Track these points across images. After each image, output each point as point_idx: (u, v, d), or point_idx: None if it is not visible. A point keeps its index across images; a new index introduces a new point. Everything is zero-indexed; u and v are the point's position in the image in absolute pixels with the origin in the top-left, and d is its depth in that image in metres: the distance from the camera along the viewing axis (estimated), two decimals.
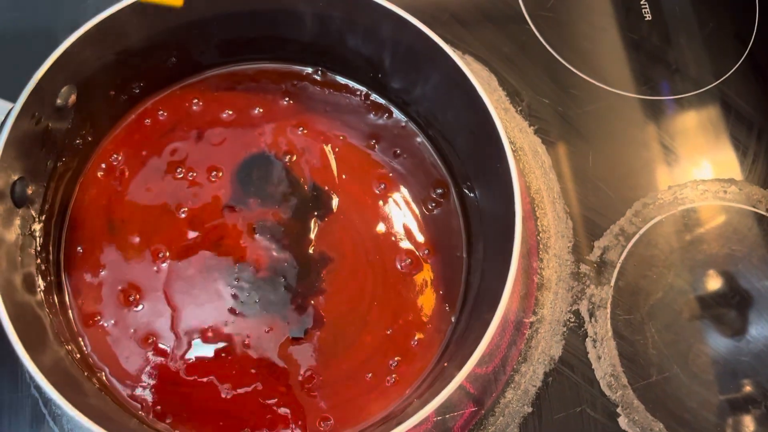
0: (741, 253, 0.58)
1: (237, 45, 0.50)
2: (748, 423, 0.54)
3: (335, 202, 0.50)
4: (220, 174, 0.50)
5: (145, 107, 0.50)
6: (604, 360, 0.54)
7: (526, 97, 0.60)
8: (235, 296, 0.47)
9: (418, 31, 0.43)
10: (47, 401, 0.49)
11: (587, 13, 0.65)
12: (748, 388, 0.55)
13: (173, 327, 0.46)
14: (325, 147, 0.51)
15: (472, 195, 0.50)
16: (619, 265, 0.56)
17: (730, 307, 0.57)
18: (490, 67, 0.61)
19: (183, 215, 0.48)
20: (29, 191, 0.42)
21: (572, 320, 0.54)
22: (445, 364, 0.44)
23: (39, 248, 0.44)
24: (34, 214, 0.43)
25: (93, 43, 0.41)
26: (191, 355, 0.45)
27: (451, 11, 0.62)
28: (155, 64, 0.48)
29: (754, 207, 0.59)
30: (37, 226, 0.44)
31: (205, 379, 0.45)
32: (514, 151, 0.58)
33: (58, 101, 0.42)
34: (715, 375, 0.54)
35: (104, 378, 0.44)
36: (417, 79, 0.48)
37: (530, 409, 0.52)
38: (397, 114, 0.52)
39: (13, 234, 0.41)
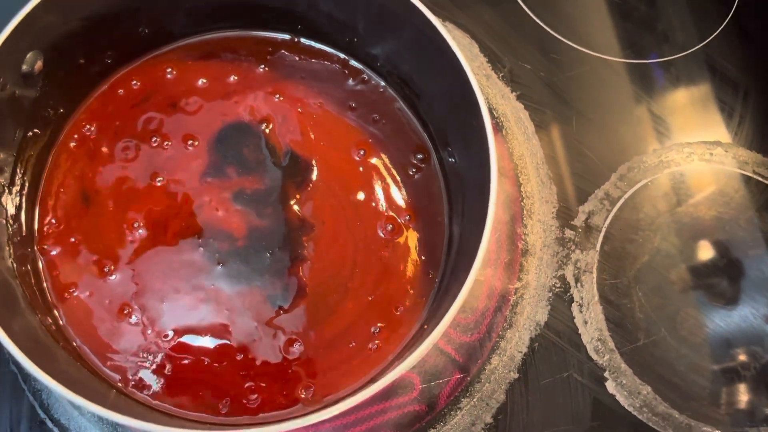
0: (728, 216, 0.57)
1: (208, 12, 0.49)
2: (742, 388, 0.53)
3: (314, 169, 0.49)
4: (196, 143, 0.49)
5: (117, 77, 0.49)
6: (591, 325, 0.53)
7: (508, 63, 0.60)
8: (213, 266, 0.46)
9: None
10: (26, 377, 0.48)
11: None
12: (740, 353, 0.54)
13: (150, 298, 0.45)
14: (302, 114, 0.50)
15: (452, 160, 0.49)
16: (604, 230, 0.56)
17: (718, 269, 0.56)
18: (472, 34, 0.60)
19: (159, 184, 0.48)
20: None
21: (558, 285, 0.54)
22: (425, 327, 0.44)
23: (11, 219, 0.43)
24: (3, 183, 0.42)
25: (57, 7, 0.41)
26: (169, 326, 0.45)
27: None
28: (126, 32, 0.48)
29: (740, 169, 0.59)
30: (7, 197, 0.43)
31: (183, 351, 0.45)
32: (496, 118, 0.58)
33: (24, 67, 0.41)
34: (704, 338, 0.54)
35: (81, 349, 0.43)
36: (392, 41, 0.47)
37: (516, 375, 0.51)
38: (375, 79, 0.52)
39: None
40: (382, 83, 0.51)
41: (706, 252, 0.57)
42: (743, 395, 0.53)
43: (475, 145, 0.43)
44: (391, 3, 0.43)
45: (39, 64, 0.42)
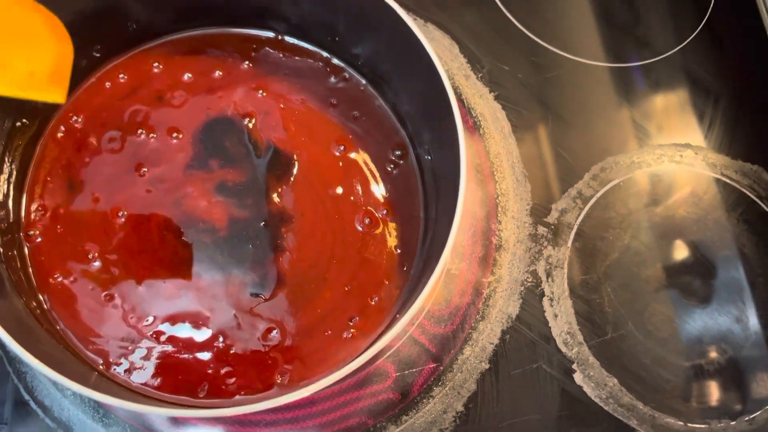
0: (697, 216, 0.59)
1: (195, 10, 0.51)
2: (706, 382, 0.55)
3: (295, 163, 0.51)
4: (181, 136, 0.50)
5: (105, 70, 0.51)
6: (561, 318, 0.55)
7: (487, 64, 0.61)
8: (194, 255, 0.48)
9: None
10: (11, 359, 0.50)
11: None
12: (705, 348, 0.56)
13: (132, 285, 0.47)
14: (284, 109, 0.52)
15: (428, 157, 0.51)
16: (576, 227, 0.57)
17: (686, 267, 0.58)
18: (452, 36, 0.62)
19: (143, 175, 0.49)
20: None
21: (530, 280, 0.56)
22: (398, 316, 0.45)
23: None
24: None
25: (47, 2, 0.42)
26: (151, 313, 0.46)
27: None
28: (114, 27, 0.49)
29: (710, 171, 0.61)
30: None
31: (164, 336, 0.46)
32: (473, 117, 0.59)
33: None
34: (670, 333, 0.56)
35: (64, 333, 0.45)
36: (372, 42, 0.49)
37: (488, 366, 0.53)
38: (356, 77, 0.53)
39: None
40: (363, 81, 0.53)
41: (674, 250, 0.59)
42: (707, 389, 0.55)
43: (447, 143, 0.45)
44: (370, 6, 0.45)
45: None
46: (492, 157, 0.58)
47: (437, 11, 0.63)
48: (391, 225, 0.50)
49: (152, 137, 0.50)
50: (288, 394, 0.37)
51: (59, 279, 0.46)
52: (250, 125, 0.51)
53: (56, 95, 0.40)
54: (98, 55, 0.50)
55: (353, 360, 0.42)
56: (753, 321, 0.57)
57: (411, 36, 0.43)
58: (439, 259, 0.39)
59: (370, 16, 0.46)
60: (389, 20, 0.45)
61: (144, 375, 0.45)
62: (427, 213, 0.51)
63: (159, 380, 0.45)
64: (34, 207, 0.47)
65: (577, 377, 0.54)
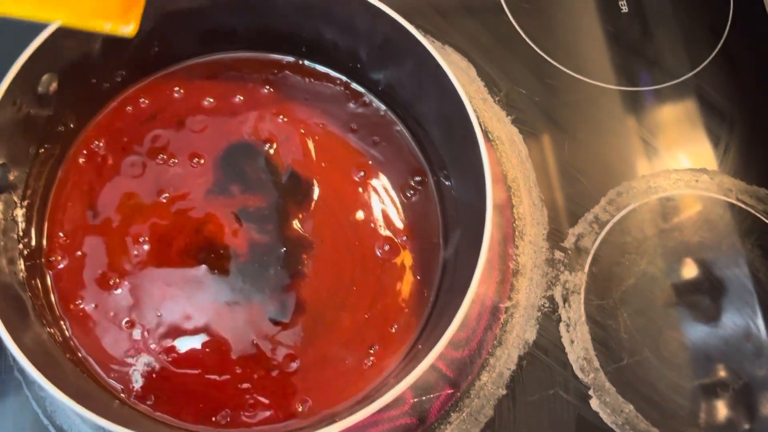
0: (712, 241, 0.60)
1: (218, 35, 0.51)
2: (720, 407, 0.55)
3: (315, 189, 0.51)
4: (202, 161, 0.50)
5: (126, 95, 0.51)
6: (577, 344, 0.55)
7: (504, 87, 0.62)
8: (215, 281, 0.48)
9: (394, 21, 0.44)
10: (30, 384, 0.49)
11: (566, 5, 0.66)
12: (719, 373, 0.56)
13: (153, 311, 0.47)
14: (304, 135, 0.52)
15: (448, 183, 0.51)
16: (592, 252, 0.58)
17: (701, 292, 0.58)
18: (470, 58, 0.62)
19: (164, 201, 0.49)
20: (11, 177, 0.43)
21: (546, 305, 0.56)
22: (420, 347, 0.45)
23: (21, 233, 0.44)
24: (16, 200, 0.44)
25: (75, 32, 0.42)
26: (171, 340, 0.46)
27: (430, 2, 0.63)
28: (137, 53, 0.49)
29: (725, 196, 0.61)
30: (19, 212, 0.44)
31: (185, 363, 0.46)
32: (491, 141, 0.59)
33: (39, 89, 0.42)
34: (685, 359, 0.56)
35: (85, 360, 0.45)
36: (394, 69, 0.49)
37: (505, 392, 0.53)
38: (376, 103, 0.53)
39: None
40: (383, 107, 0.53)
41: (690, 276, 0.59)
42: (720, 413, 0.55)
43: (471, 173, 0.45)
44: (395, 34, 0.45)
45: (54, 86, 0.43)
46: (509, 182, 0.59)
47: (454, 33, 0.63)
48: (411, 251, 0.51)
49: (173, 162, 0.50)
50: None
51: (81, 305, 0.46)
52: (271, 150, 0.51)
53: (127, 25, 0.33)
54: (120, 79, 0.50)
55: (377, 391, 0.42)
56: (767, 346, 0.57)
57: (437, 67, 0.44)
58: (464, 295, 0.39)
59: (394, 45, 0.46)
60: (412, 48, 0.45)
61: (164, 403, 0.45)
62: (447, 239, 0.51)
63: (179, 408, 0.45)
64: (55, 233, 0.47)
65: (594, 403, 0.54)
